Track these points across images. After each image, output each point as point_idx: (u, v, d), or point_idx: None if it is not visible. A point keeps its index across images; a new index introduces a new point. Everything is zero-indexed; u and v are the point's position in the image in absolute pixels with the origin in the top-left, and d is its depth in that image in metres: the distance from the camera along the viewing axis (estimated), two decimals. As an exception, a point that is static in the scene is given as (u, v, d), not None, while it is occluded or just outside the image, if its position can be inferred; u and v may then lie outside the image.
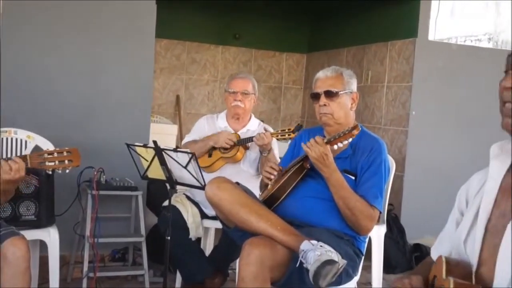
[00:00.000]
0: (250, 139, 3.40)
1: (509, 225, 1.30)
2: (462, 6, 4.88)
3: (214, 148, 3.49)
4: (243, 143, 3.46)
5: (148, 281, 3.52)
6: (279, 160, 3.33)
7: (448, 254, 1.49)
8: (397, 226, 4.63)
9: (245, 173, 3.47)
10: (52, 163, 2.46)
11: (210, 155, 3.51)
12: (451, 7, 4.86)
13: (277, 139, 3.31)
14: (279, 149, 3.54)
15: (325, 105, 2.66)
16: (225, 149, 3.45)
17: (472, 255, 1.39)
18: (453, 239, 1.49)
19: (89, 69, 3.99)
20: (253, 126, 3.62)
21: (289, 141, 3.12)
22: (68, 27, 3.91)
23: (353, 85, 2.75)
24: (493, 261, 1.31)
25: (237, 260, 2.45)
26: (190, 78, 6.19)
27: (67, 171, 2.50)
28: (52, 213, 3.12)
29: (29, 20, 3.80)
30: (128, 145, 3.06)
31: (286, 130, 3.21)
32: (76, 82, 3.95)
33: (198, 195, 3.38)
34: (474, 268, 1.35)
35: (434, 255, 1.59)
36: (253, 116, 3.67)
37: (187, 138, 3.67)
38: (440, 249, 1.58)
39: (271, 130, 3.42)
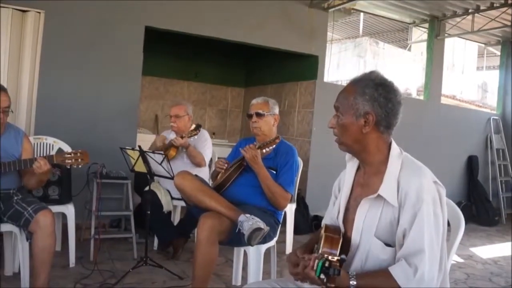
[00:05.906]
0: (169, 142, 3.39)
1: (360, 204, 1.38)
2: (344, 61, 5.10)
3: (167, 149, 3.39)
4: (168, 145, 3.40)
5: (135, 241, 3.46)
6: (208, 155, 3.44)
7: (330, 223, 1.57)
8: (303, 203, 4.71)
9: (188, 163, 3.41)
10: (70, 161, 2.42)
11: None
12: (337, 62, 5.07)
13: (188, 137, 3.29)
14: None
15: (255, 121, 2.68)
16: (166, 149, 3.37)
17: (340, 226, 1.46)
18: (331, 214, 1.55)
19: (95, 94, 3.93)
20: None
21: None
22: (84, 64, 3.84)
23: (276, 110, 2.75)
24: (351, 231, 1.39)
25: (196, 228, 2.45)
26: (165, 103, 6.09)
27: (80, 166, 2.46)
28: (70, 194, 3.08)
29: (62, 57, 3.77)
30: (121, 148, 3.06)
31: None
32: (86, 103, 3.88)
33: (168, 186, 3.33)
34: (342, 232, 1.43)
35: (323, 224, 1.66)
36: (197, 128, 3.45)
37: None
38: (326, 220, 1.62)
39: (205, 133, 3.49)
